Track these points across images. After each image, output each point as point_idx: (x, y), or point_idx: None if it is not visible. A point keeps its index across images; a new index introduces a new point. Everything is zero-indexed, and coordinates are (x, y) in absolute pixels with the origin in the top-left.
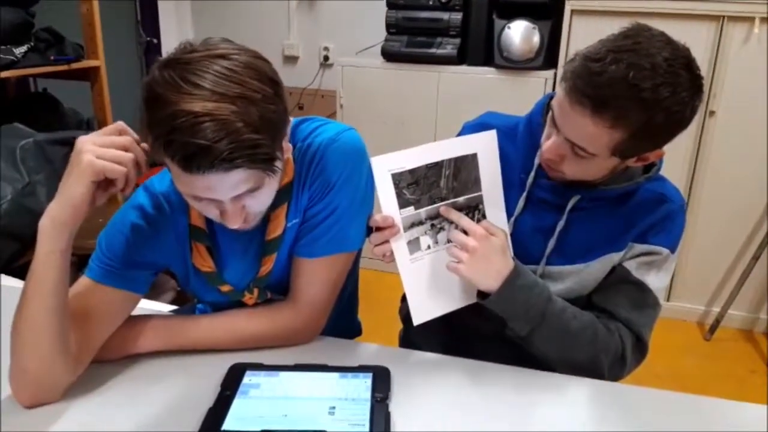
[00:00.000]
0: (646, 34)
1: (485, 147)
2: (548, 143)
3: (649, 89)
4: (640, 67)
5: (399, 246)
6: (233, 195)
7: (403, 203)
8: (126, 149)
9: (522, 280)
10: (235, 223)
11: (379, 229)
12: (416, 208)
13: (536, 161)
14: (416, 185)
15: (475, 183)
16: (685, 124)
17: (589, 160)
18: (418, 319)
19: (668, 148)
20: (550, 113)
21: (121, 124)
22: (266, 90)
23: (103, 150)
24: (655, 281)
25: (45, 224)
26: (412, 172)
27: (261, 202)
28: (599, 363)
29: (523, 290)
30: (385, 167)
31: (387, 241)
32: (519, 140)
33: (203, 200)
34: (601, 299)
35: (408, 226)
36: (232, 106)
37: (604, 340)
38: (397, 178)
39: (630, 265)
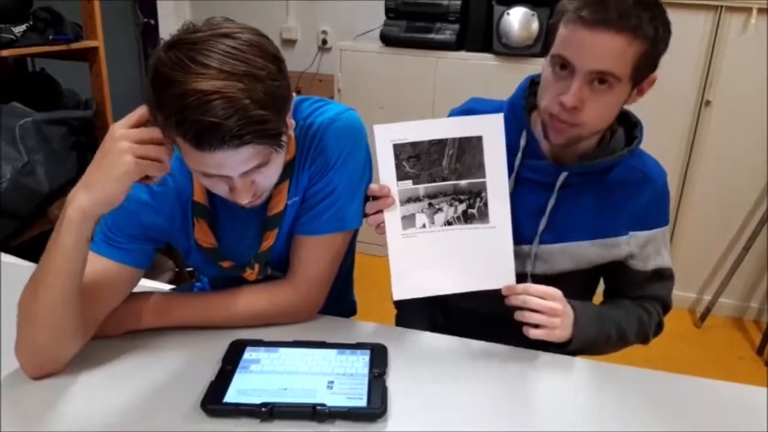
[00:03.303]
0: None
1: (491, 131)
2: (571, 92)
3: (647, 0)
4: None
5: (392, 217)
6: (243, 171)
7: (401, 175)
8: (160, 142)
9: (582, 316)
10: (244, 199)
11: (375, 198)
12: (415, 183)
13: (522, 143)
14: (417, 159)
15: (479, 168)
16: (668, 42)
17: (609, 94)
18: (398, 295)
19: (663, 137)
20: (550, 66)
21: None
22: (270, 67)
23: (142, 148)
24: (666, 257)
25: (74, 216)
26: (414, 145)
27: (269, 177)
28: (647, 338)
29: (591, 325)
30: (387, 136)
31: (382, 212)
32: (504, 123)
33: (213, 177)
34: (631, 292)
35: (405, 200)
36: (239, 84)
37: (647, 322)
38: (399, 149)
39: (642, 265)
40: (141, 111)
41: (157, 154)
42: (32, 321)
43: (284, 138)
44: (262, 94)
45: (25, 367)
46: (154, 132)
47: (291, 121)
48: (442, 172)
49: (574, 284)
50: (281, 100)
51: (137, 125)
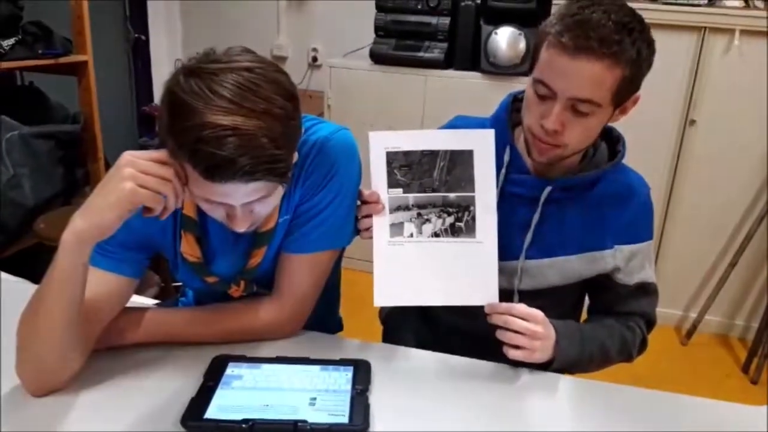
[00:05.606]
0: None
1: (482, 146)
2: (551, 117)
3: (630, 23)
4: (614, 8)
5: (380, 223)
6: (246, 201)
7: (392, 183)
8: (167, 180)
9: (563, 337)
10: (242, 227)
11: (365, 203)
12: (405, 192)
13: (506, 158)
14: (409, 168)
15: (469, 182)
16: (652, 62)
17: (590, 118)
18: (379, 301)
19: (649, 156)
20: (533, 88)
21: (165, 154)
22: (287, 105)
23: (145, 178)
24: (649, 272)
25: (69, 239)
26: (406, 154)
27: (269, 207)
28: (631, 356)
29: (573, 346)
30: (381, 143)
31: (371, 217)
32: None
33: (214, 203)
34: (615, 306)
35: (394, 208)
36: (257, 122)
37: (631, 340)
38: (391, 157)
39: (627, 279)
40: (161, 154)
41: (159, 187)
42: (33, 343)
43: (291, 173)
44: (278, 133)
45: (28, 387)
46: (164, 170)
47: (296, 155)
48: (433, 183)
49: (562, 299)
50: (294, 138)
51: (152, 160)
